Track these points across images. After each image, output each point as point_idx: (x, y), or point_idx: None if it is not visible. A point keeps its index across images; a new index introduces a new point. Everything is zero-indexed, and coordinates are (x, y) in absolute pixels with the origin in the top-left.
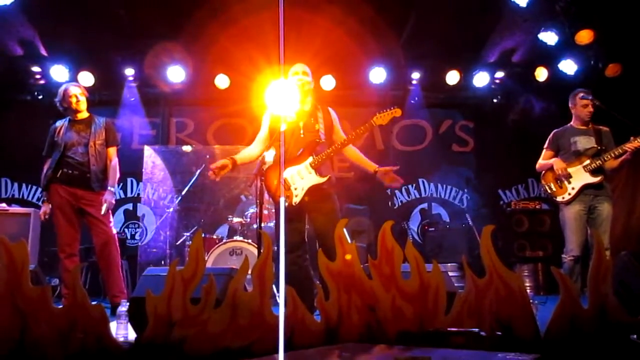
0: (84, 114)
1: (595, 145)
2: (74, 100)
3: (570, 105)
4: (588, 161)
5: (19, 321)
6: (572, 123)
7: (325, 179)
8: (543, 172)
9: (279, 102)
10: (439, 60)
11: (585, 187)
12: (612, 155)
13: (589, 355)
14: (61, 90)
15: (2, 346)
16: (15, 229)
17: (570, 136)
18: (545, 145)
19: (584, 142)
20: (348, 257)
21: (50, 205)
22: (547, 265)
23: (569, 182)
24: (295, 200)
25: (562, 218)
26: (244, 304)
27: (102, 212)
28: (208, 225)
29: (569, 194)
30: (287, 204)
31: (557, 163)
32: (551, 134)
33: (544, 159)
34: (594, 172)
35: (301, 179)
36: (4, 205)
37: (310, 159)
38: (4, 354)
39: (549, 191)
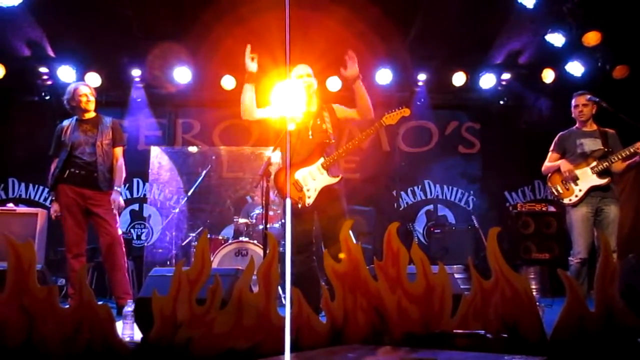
0: (91, 114)
1: (602, 147)
2: (84, 99)
3: None
4: (594, 163)
5: (26, 321)
6: (577, 125)
7: (337, 179)
8: (549, 174)
9: (286, 104)
10: (445, 62)
11: (592, 189)
12: (619, 157)
13: (596, 358)
14: (71, 88)
15: (9, 345)
16: (22, 229)
17: (576, 138)
18: (551, 148)
19: (590, 144)
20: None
21: (58, 204)
22: (553, 267)
23: (576, 184)
24: (309, 201)
25: (568, 220)
26: (250, 305)
27: (114, 212)
28: (214, 226)
29: (576, 196)
30: (300, 205)
31: (564, 164)
32: (557, 137)
33: (550, 162)
34: (600, 174)
35: (313, 180)
36: (11, 205)
37: (322, 160)
38: (11, 353)
39: (556, 193)
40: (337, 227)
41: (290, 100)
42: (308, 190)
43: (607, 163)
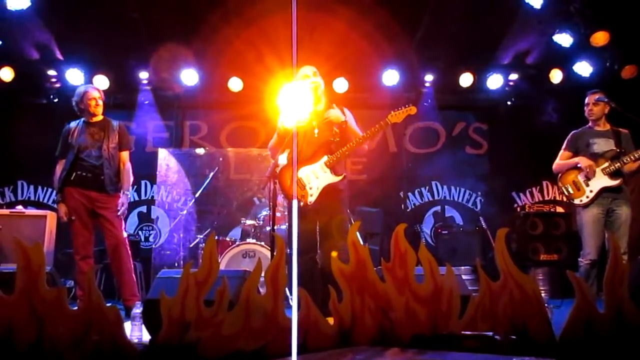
0: (98, 117)
1: (614, 148)
2: (92, 103)
3: None
4: (606, 164)
5: (35, 323)
6: (590, 124)
7: (340, 177)
8: (561, 174)
9: (293, 105)
10: (452, 62)
11: (604, 190)
12: (632, 158)
13: None
14: (80, 91)
15: (19, 347)
16: (31, 231)
17: (588, 138)
18: (563, 147)
19: (602, 145)
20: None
21: (65, 207)
22: (561, 268)
23: (587, 185)
24: (311, 199)
25: (579, 221)
26: (258, 307)
27: (120, 213)
28: (221, 228)
29: (587, 196)
30: (302, 203)
31: (584, 160)
32: (569, 135)
33: (561, 160)
34: (612, 175)
35: (316, 178)
36: (20, 207)
37: (325, 158)
38: (21, 355)
39: (567, 193)
40: (333, 226)
41: (298, 102)
42: (310, 189)
43: (619, 164)
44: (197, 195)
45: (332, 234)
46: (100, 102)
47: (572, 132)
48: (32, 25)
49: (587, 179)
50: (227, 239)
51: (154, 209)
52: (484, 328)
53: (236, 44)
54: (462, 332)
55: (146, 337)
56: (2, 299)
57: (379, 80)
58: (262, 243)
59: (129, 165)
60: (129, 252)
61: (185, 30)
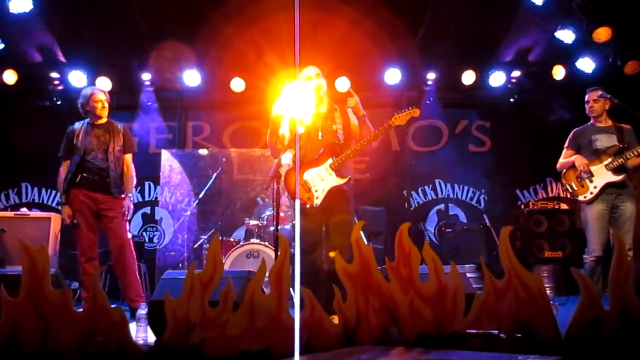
0: (103, 120)
1: (617, 144)
2: (99, 105)
3: None
4: (609, 159)
5: (41, 324)
6: (592, 121)
7: (345, 180)
8: (564, 171)
9: (296, 106)
10: (454, 60)
11: (608, 186)
12: (635, 153)
13: (611, 357)
14: (86, 93)
15: (24, 349)
16: (36, 233)
17: (590, 135)
18: (566, 145)
19: (605, 141)
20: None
21: (70, 209)
22: (566, 265)
23: (591, 181)
24: (317, 202)
25: (583, 218)
26: (262, 307)
27: (127, 217)
28: (225, 228)
29: (591, 193)
30: (308, 205)
31: (579, 159)
32: (571, 133)
33: (564, 158)
34: (616, 171)
35: (322, 180)
36: (24, 209)
37: (330, 161)
38: (26, 356)
39: (570, 190)
40: (340, 228)
41: (300, 102)
42: (316, 191)
43: (622, 159)
44: (200, 196)
45: (337, 233)
46: (107, 105)
47: (574, 129)
48: (34, 28)
49: (581, 180)
50: (231, 239)
51: (157, 210)
52: (488, 326)
53: (238, 44)
54: (467, 331)
55: (151, 338)
56: (7, 301)
57: (381, 78)
58: (266, 243)
59: (132, 168)
60: (134, 253)
61: (187, 30)
